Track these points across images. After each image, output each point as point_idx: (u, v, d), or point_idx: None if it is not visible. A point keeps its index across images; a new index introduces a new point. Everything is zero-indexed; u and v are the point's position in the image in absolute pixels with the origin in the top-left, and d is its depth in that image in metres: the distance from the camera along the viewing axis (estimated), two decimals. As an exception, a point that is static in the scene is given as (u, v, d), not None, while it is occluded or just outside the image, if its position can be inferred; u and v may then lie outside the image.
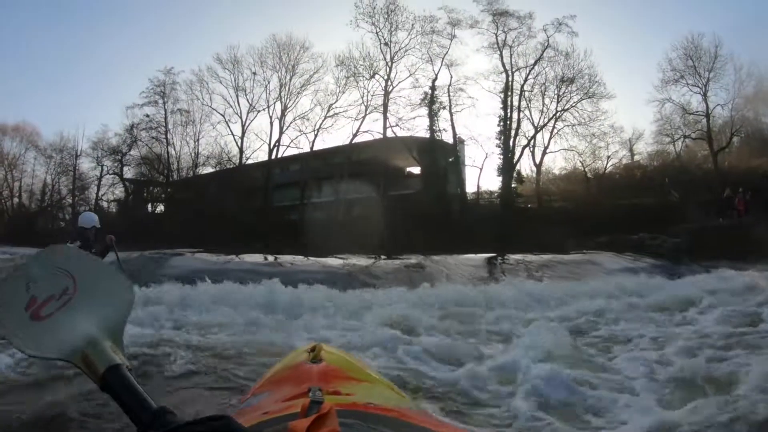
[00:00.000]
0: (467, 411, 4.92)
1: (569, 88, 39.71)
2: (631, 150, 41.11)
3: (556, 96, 40.09)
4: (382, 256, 20.51)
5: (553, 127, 40.25)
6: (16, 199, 53.09)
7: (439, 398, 5.23)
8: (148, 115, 47.32)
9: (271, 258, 18.37)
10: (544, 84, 40.44)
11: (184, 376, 5.94)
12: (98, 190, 50.34)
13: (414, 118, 41.33)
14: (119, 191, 51.25)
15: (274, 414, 1.26)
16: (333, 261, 18.06)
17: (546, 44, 39.78)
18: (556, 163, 44.69)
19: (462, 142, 40.56)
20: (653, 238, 22.05)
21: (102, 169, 49.56)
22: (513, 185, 39.27)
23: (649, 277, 12.55)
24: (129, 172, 49.75)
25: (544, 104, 40.39)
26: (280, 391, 1.54)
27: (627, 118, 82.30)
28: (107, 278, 1.27)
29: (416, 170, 44.35)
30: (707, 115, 38.35)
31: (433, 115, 40.37)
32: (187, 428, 0.84)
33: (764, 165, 33.02)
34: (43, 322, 1.12)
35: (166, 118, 47.26)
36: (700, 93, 38.66)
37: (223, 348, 7.08)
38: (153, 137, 47.87)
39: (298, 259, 18.04)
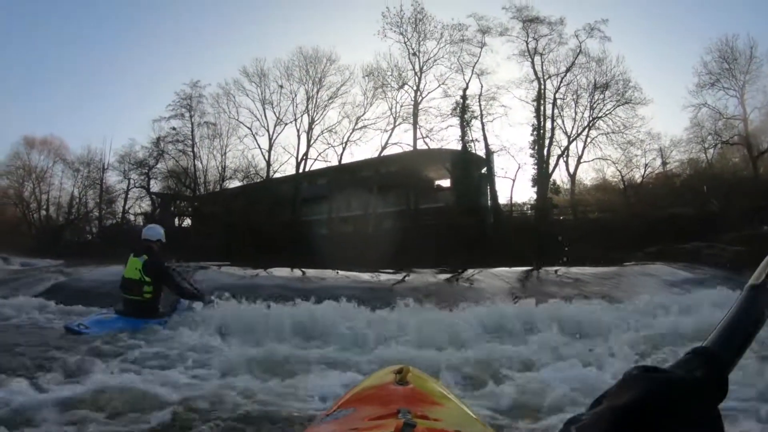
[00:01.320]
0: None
1: (603, 95, 38.89)
2: (662, 158, 40.03)
3: (589, 103, 39.29)
4: (414, 271, 19.57)
5: (587, 136, 39.43)
6: (43, 212, 53.34)
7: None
8: (174, 128, 47.31)
9: (298, 272, 17.52)
10: (576, 91, 39.72)
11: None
12: (125, 203, 50.57)
13: (446, 128, 40.69)
14: (146, 204, 51.25)
15: (364, 431, 1.27)
16: (364, 276, 17.12)
17: (578, 50, 39.07)
18: (588, 173, 43.62)
19: (492, 153, 39.54)
20: (709, 247, 20.80)
21: (129, 183, 49.78)
22: (548, 196, 38.23)
23: (731, 290, 11.08)
24: (156, 186, 49.83)
25: (576, 112, 39.66)
26: (367, 409, 1.52)
27: (662, 124, 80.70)
28: None
29: (446, 183, 43.64)
30: (745, 119, 37.39)
31: (464, 126, 39.55)
32: None
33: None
34: None
35: (192, 131, 47.17)
36: (736, 96, 37.75)
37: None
38: (180, 150, 47.85)
39: (328, 273, 17.15)
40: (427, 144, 40.88)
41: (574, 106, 39.66)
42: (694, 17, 67.31)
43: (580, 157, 39.70)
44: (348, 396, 1.85)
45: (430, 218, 38.18)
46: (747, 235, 22.63)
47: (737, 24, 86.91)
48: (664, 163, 40.04)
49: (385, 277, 16.70)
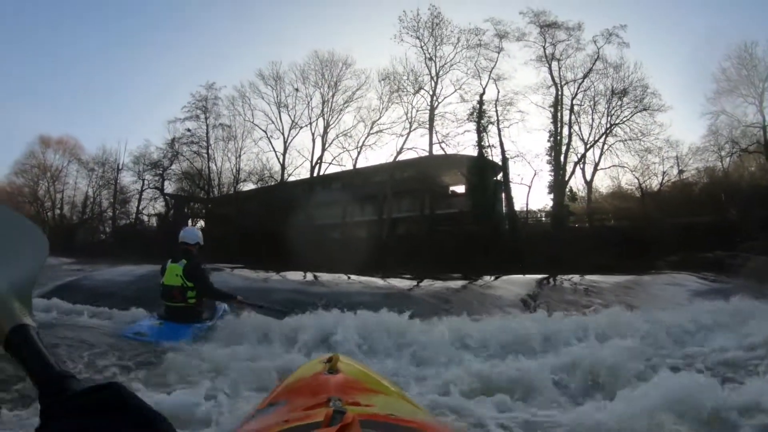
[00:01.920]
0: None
1: (621, 101, 38.58)
2: (679, 166, 39.55)
3: (606, 110, 39.03)
4: (430, 277, 19.23)
5: (604, 143, 39.10)
6: (57, 211, 53.54)
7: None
8: (189, 130, 47.50)
9: (311, 277, 17.26)
10: (593, 98, 39.47)
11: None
12: (139, 203, 50.83)
13: (462, 133, 40.53)
14: (160, 205, 51.37)
15: (296, 422, 1.26)
16: (377, 281, 16.82)
17: (596, 56, 38.84)
18: (603, 181, 43.25)
19: (508, 159, 39.28)
20: (732, 257, 20.31)
21: (143, 183, 49.95)
22: (565, 203, 37.97)
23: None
24: (170, 187, 49.99)
25: (593, 119, 39.41)
26: (298, 401, 1.53)
27: (681, 132, 79.75)
28: (16, 230, 1.16)
29: (461, 189, 43.44)
30: (764, 127, 36.84)
31: (481, 131, 39.30)
32: (80, 397, 0.82)
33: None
34: None
35: (207, 133, 47.33)
36: (755, 104, 37.29)
37: None
38: (194, 152, 48.05)
39: (341, 278, 16.89)
40: (443, 149, 40.78)
41: (591, 112, 39.49)
42: (714, 23, 66.57)
43: (596, 164, 39.44)
44: (279, 389, 1.87)
45: (444, 224, 37.92)
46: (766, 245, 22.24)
47: (757, 31, 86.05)
48: (680, 171, 39.64)
49: (400, 283, 16.39)
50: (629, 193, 39.99)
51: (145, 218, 51.95)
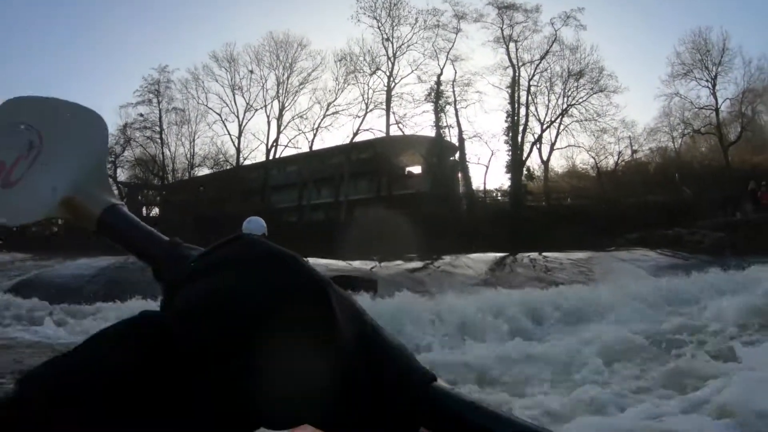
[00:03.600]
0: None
1: (577, 83, 38.98)
2: (632, 146, 40.29)
3: (563, 91, 39.36)
4: (388, 258, 19.07)
5: (560, 123, 39.43)
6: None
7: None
8: (142, 115, 46.19)
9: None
10: (550, 79, 39.76)
11: None
12: (92, 193, 49.14)
13: (420, 114, 40.52)
14: (113, 194, 49.84)
15: None
16: (339, 263, 16.65)
17: (554, 38, 39.10)
18: (558, 161, 43.68)
19: (465, 139, 39.37)
20: (691, 234, 20.71)
21: (95, 172, 48.30)
22: (523, 182, 38.19)
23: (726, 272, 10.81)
24: (123, 175, 48.47)
25: (550, 99, 39.69)
26: None
27: (637, 113, 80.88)
28: (73, 116, 1.05)
29: (416, 169, 43.44)
30: (716, 109, 37.93)
31: (438, 112, 39.36)
32: (208, 255, 0.64)
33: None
34: (17, 186, 0.95)
35: (160, 117, 46.16)
36: (708, 87, 38.23)
37: None
38: (147, 137, 46.81)
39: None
40: (401, 130, 40.77)
41: (547, 93, 39.80)
42: (669, 9, 68.23)
43: (553, 144, 39.79)
44: None
45: (402, 205, 37.86)
46: (722, 222, 22.73)
47: (710, 17, 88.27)
48: (634, 152, 40.44)
49: (360, 265, 16.25)
50: (584, 173, 40.75)
51: (99, 208, 50.77)
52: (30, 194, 0.96)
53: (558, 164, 42.17)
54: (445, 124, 39.63)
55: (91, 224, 0.91)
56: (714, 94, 37.88)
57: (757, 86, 38.08)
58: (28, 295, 9.96)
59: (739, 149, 37.06)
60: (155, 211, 51.17)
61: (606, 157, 39.95)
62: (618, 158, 39.81)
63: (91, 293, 10.37)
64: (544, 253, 18.62)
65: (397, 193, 39.79)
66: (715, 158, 37.37)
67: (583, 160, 41.37)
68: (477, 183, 40.56)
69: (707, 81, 38.06)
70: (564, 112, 39.10)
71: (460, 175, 39.50)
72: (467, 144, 39.69)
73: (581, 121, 39.02)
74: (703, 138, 39.83)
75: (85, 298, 9.61)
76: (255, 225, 7.78)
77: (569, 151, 40.91)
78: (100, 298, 9.47)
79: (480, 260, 17.08)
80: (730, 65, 37.77)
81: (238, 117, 44.94)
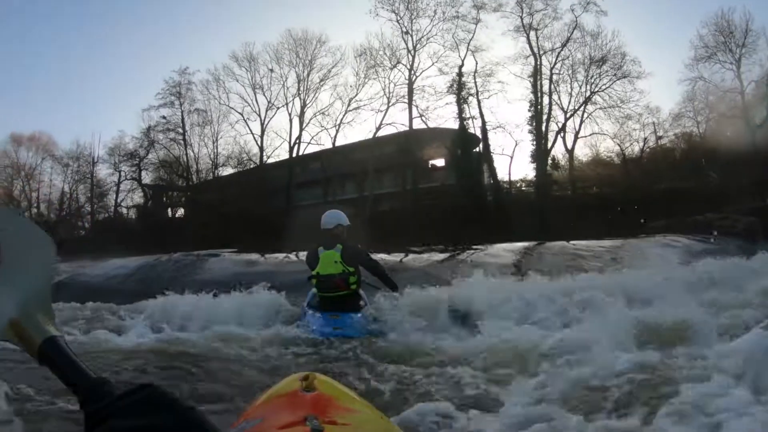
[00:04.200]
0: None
1: (600, 70, 38.68)
2: (656, 132, 39.93)
3: (585, 78, 39.07)
4: (415, 251, 18.94)
5: (583, 111, 39.19)
6: (34, 209, 52.31)
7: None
8: (164, 117, 46.78)
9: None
10: (572, 66, 39.50)
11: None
12: (117, 196, 50.01)
13: (443, 106, 40.36)
14: (138, 197, 50.56)
15: None
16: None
17: (574, 25, 38.78)
18: (582, 150, 43.44)
19: (488, 130, 39.29)
20: (723, 218, 20.44)
21: (120, 175, 49.18)
22: (548, 172, 38.07)
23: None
24: (147, 177, 49.31)
25: (572, 87, 39.44)
26: (275, 418, 1.43)
27: (661, 99, 79.92)
28: (30, 237, 1.19)
29: (440, 162, 43.32)
30: (742, 92, 37.38)
31: (461, 103, 39.17)
32: (121, 400, 0.85)
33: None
34: None
35: (183, 119, 46.68)
36: (732, 69, 37.62)
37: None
38: (171, 139, 47.38)
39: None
40: (425, 122, 40.64)
41: (570, 81, 39.53)
42: None
43: (577, 133, 39.52)
44: (255, 405, 1.78)
45: (427, 198, 37.79)
46: (751, 208, 22.49)
47: None
48: (658, 138, 40.06)
49: (389, 257, 16.16)
50: (609, 161, 40.42)
51: (125, 211, 51.31)
52: None
53: (582, 153, 41.84)
54: (468, 116, 39.48)
55: (32, 351, 0.98)
56: (739, 77, 37.27)
57: None
58: (66, 298, 9.97)
59: (765, 132, 36.06)
60: (180, 211, 51.65)
61: (631, 144, 39.69)
62: (644, 145, 39.52)
63: (134, 292, 10.32)
64: (573, 242, 18.40)
65: (422, 186, 39.75)
66: (742, 142, 35.94)
67: (607, 147, 41.09)
68: (502, 174, 40.42)
69: (731, 63, 37.45)
70: (587, 100, 38.83)
71: (485, 166, 39.20)
72: (491, 135, 39.59)
73: (605, 108, 38.77)
74: (729, 122, 38.77)
75: (128, 298, 9.57)
76: (336, 217, 7.61)
77: (593, 139, 40.59)
78: (138, 296, 9.42)
79: (509, 250, 16.84)
80: (754, 46, 36.94)
81: (260, 116, 45.36)
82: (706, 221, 20.19)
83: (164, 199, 51.28)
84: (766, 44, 36.82)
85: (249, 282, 8.60)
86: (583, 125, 39.36)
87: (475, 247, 17.80)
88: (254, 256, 16.27)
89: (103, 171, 50.32)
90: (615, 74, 38.38)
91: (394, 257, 15.92)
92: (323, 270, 7.22)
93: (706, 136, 39.00)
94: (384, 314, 6.97)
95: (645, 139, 39.48)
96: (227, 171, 47.71)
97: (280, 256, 16.82)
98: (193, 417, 0.82)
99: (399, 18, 40.82)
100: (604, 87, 38.65)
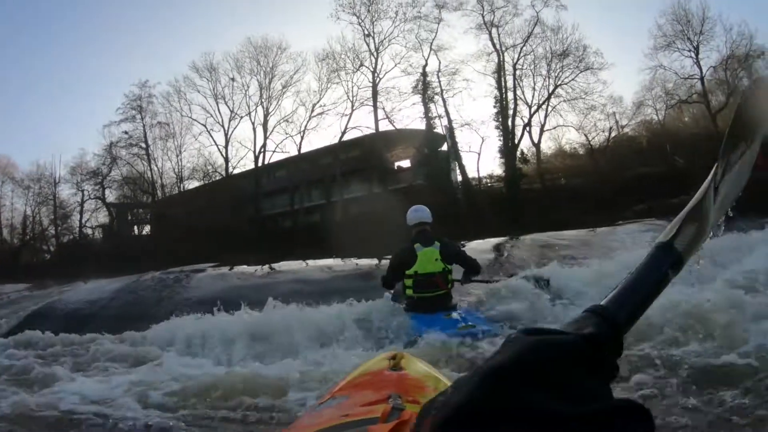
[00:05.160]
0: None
1: (562, 63, 39.12)
2: (617, 121, 40.73)
3: (547, 72, 39.53)
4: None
5: (547, 105, 39.59)
6: (-4, 235, 50.94)
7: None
8: (126, 132, 45.87)
9: (305, 265, 16.56)
10: (533, 62, 39.89)
11: None
12: (81, 216, 48.65)
13: (409, 106, 40.52)
14: (103, 216, 49.48)
15: (353, 417, 1.28)
16: (340, 263, 16.35)
17: (535, 20, 39.19)
18: (547, 143, 43.83)
19: (454, 129, 39.52)
20: (698, 199, 20.76)
21: (83, 194, 47.87)
22: (518, 166, 38.19)
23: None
24: (111, 195, 48.36)
25: (535, 82, 39.85)
26: (360, 396, 1.55)
27: (624, 88, 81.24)
28: None
29: (405, 163, 43.61)
30: (701, 78, 38.36)
31: (427, 103, 39.36)
32: None
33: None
34: None
35: (145, 133, 45.93)
36: (691, 56, 38.72)
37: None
38: (134, 154, 46.51)
39: (329, 262, 16.34)
40: (392, 124, 40.58)
41: (533, 75, 39.93)
42: None
43: (543, 126, 39.96)
44: (342, 383, 1.87)
45: (397, 199, 37.67)
46: None
47: None
48: (621, 127, 40.75)
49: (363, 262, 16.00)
50: (573, 152, 41.13)
51: (90, 231, 50.15)
52: None
53: (545, 146, 42.21)
54: (434, 115, 39.67)
55: None
56: (698, 63, 38.32)
57: (739, 52, 38.32)
58: (48, 328, 9.11)
59: (724, 116, 36.65)
60: (147, 228, 50.81)
61: (597, 134, 40.21)
62: (609, 134, 40.02)
63: (118, 317, 9.71)
64: (546, 233, 18.44)
65: (390, 188, 39.52)
66: (702, 126, 37.57)
67: (569, 139, 41.97)
68: (470, 170, 40.49)
69: (689, 51, 38.54)
70: (551, 93, 39.23)
71: (454, 164, 39.35)
72: (457, 133, 39.76)
73: (569, 100, 39.25)
74: (685, 108, 40.55)
75: (113, 322, 8.90)
76: (426, 213, 7.36)
77: (559, 131, 41.17)
78: (126, 321, 8.73)
79: (480, 248, 16.71)
80: (711, 33, 38.16)
81: (223, 126, 44.88)
82: (680, 203, 20.45)
83: (129, 216, 50.30)
84: (723, 31, 38.11)
85: (253, 297, 8.13)
86: (548, 118, 39.87)
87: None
88: (243, 269, 15.88)
89: (65, 191, 49.02)
90: (577, 67, 38.92)
91: (370, 261, 15.75)
92: (422, 268, 6.86)
93: (666, 123, 40.35)
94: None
95: (610, 128, 40.07)
96: (193, 184, 47.29)
97: (265, 267, 16.46)
98: None
99: (360, 21, 40.88)
100: (567, 80, 39.16)
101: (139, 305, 9.67)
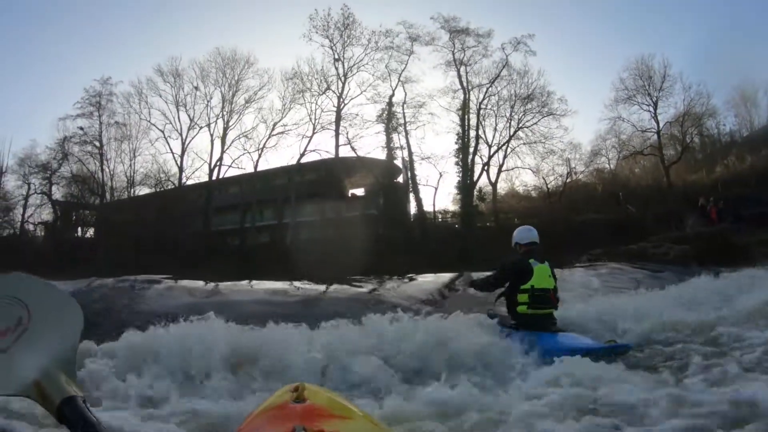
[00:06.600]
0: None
1: (525, 107, 39.88)
2: (569, 168, 41.92)
3: (510, 114, 40.24)
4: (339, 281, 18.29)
5: (507, 146, 40.15)
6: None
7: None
8: (81, 128, 44.19)
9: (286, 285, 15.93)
10: (497, 103, 40.56)
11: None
12: (24, 211, 46.46)
13: (372, 135, 40.39)
14: (47, 213, 47.53)
15: None
16: (282, 286, 15.74)
17: (504, 63, 39.96)
18: (505, 183, 44.63)
19: (414, 161, 39.53)
20: (656, 246, 21.31)
21: (29, 188, 45.75)
22: (475, 203, 38.52)
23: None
24: (58, 192, 46.33)
25: (497, 123, 40.45)
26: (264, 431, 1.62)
27: (584, 135, 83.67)
28: (58, 304, 1.29)
29: (359, 192, 43.51)
30: (658, 132, 39.99)
31: (389, 133, 39.44)
32: None
33: (703, 179, 36.21)
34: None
35: (100, 132, 44.40)
36: (649, 111, 40.36)
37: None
38: (87, 152, 44.78)
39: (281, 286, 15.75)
40: (354, 150, 40.37)
41: (495, 116, 40.56)
42: (615, 36, 72.73)
43: (501, 166, 40.45)
44: (248, 420, 1.89)
45: (351, 227, 37.43)
46: (676, 236, 23.53)
47: (653, 45, 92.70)
48: (573, 173, 42.00)
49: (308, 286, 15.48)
50: (525, 194, 42.18)
51: (32, 227, 48.25)
52: (9, 368, 1.08)
53: (500, 186, 42.78)
54: (396, 146, 39.83)
55: (52, 411, 1.05)
56: (655, 117, 40.04)
57: (695, 111, 40.43)
58: None
59: (677, 168, 39.06)
60: (90, 231, 49.36)
61: (555, 178, 41.34)
62: (567, 178, 41.13)
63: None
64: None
65: (344, 215, 39.35)
66: (653, 178, 39.57)
67: (522, 181, 43.22)
68: (426, 204, 40.62)
69: (648, 105, 40.28)
70: (512, 135, 39.90)
71: (410, 196, 39.56)
72: (417, 166, 39.82)
73: (529, 143, 39.98)
74: (641, 159, 42.44)
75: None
76: (536, 233, 7.28)
77: (514, 172, 41.89)
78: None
79: (430, 282, 16.47)
80: (670, 90, 40.09)
81: (181, 134, 43.78)
82: (639, 249, 21.03)
83: (74, 217, 48.78)
84: (682, 89, 40.08)
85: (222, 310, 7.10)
86: (506, 159, 40.38)
87: (404, 277, 17.49)
88: (202, 284, 15.21)
89: (10, 182, 46.22)
90: (540, 111, 39.73)
91: (315, 287, 15.25)
92: (539, 283, 6.72)
93: (617, 172, 42.35)
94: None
95: (568, 173, 41.28)
96: (143, 191, 46.00)
97: (228, 283, 15.78)
98: None
99: (332, 44, 40.84)
100: (529, 123, 39.95)
101: (101, 313, 9.08)
